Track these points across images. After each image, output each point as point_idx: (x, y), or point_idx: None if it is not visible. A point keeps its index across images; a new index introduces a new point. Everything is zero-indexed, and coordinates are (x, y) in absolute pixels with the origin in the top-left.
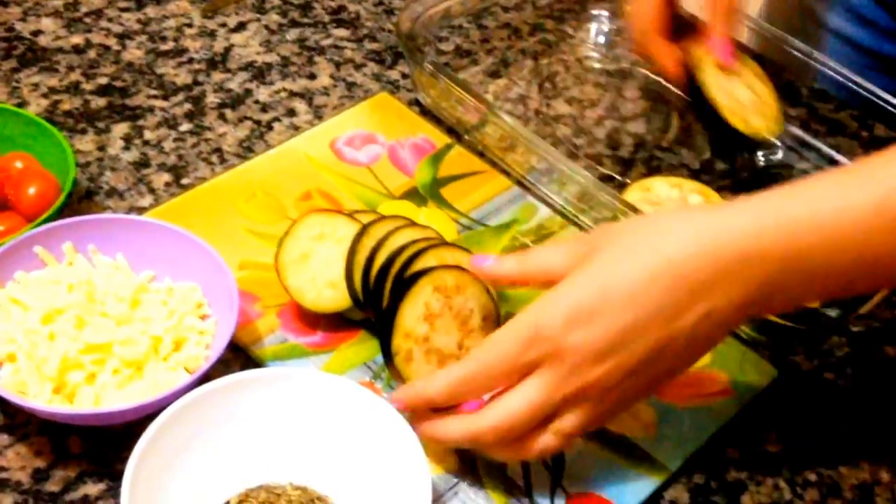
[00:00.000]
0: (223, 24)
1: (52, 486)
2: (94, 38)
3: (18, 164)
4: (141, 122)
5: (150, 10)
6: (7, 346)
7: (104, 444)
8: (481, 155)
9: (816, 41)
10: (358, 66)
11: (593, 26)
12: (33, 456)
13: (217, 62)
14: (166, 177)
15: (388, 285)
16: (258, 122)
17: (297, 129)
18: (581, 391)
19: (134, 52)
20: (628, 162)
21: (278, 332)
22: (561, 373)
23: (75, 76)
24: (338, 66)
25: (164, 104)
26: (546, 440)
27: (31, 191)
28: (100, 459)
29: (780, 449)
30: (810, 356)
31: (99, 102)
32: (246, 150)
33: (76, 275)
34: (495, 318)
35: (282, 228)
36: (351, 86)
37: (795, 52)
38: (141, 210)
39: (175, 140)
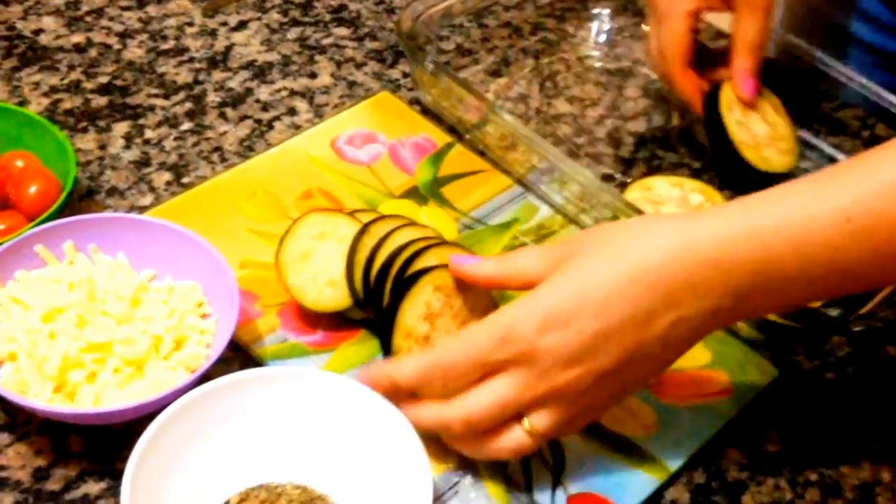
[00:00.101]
0: (224, 23)
1: (52, 485)
2: (95, 36)
3: (19, 163)
4: (142, 121)
5: (151, 9)
6: (7, 345)
7: (105, 443)
8: (482, 154)
9: (828, 42)
10: (359, 65)
11: (594, 25)
12: (34, 455)
13: (218, 61)
14: (167, 176)
15: (389, 284)
16: (259, 121)
17: (297, 128)
18: (551, 393)
19: (135, 51)
20: (629, 161)
21: (279, 332)
22: (532, 374)
23: (76, 75)
24: (339, 64)
25: (165, 103)
26: (517, 438)
27: (32, 190)
28: (100, 458)
29: (781, 449)
30: (811, 356)
31: (100, 101)
32: (246, 149)
33: (77, 274)
34: None
35: (282, 227)
36: (352, 85)
37: (818, 63)
38: (142, 209)
39: (176, 139)
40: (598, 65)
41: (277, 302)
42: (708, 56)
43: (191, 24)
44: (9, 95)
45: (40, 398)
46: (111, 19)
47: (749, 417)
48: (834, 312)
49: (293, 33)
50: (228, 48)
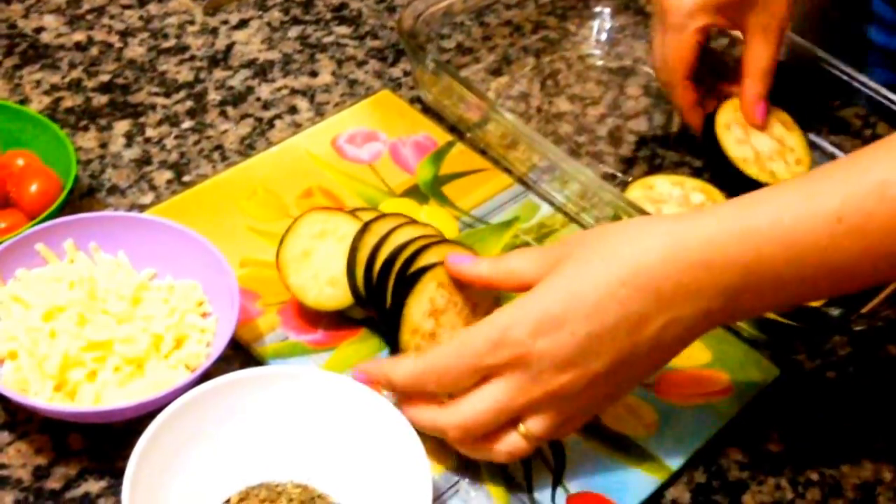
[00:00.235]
0: (225, 22)
1: (53, 484)
2: (96, 35)
3: (20, 162)
4: (142, 120)
5: (152, 8)
6: (8, 343)
7: (105, 442)
8: (483, 153)
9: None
10: (360, 64)
11: (595, 24)
12: (34, 453)
13: (219, 59)
14: (168, 174)
15: (391, 282)
16: (260, 120)
17: (298, 126)
18: (545, 397)
19: (136, 50)
20: (630, 160)
21: (279, 330)
22: (526, 378)
23: (77, 73)
24: (339, 63)
25: (166, 101)
26: (513, 442)
27: (33, 188)
28: (101, 457)
29: (782, 448)
30: (812, 355)
31: (101, 100)
32: (247, 148)
33: (77, 272)
34: None
35: (283, 226)
36: (352, 83)
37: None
38: (142, 207)
39: (176, 137)
40: (599, 63)
41: (278, 301)
42: (711, 62)
43: (192, 23)
44: (10, 94)
45: (41, 397)
46: (112, 18)
47: (750, 417)
48: (835, 311)
49: (294, 32)
50: (229, 46)
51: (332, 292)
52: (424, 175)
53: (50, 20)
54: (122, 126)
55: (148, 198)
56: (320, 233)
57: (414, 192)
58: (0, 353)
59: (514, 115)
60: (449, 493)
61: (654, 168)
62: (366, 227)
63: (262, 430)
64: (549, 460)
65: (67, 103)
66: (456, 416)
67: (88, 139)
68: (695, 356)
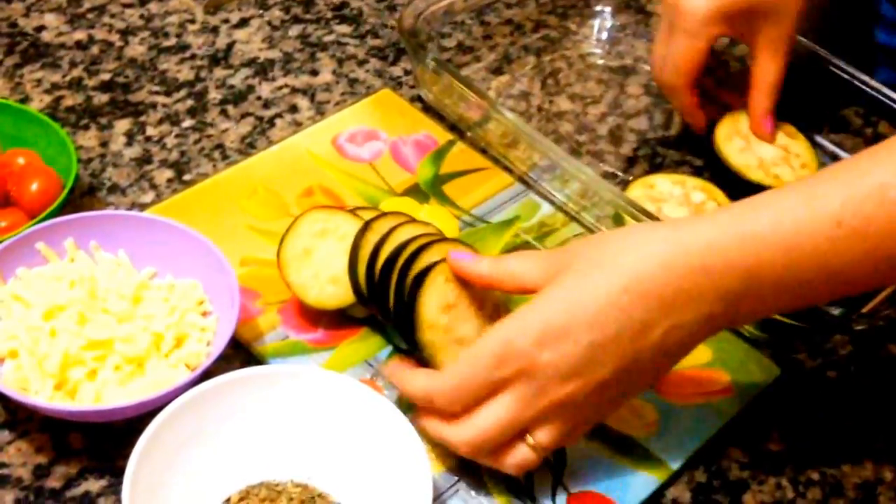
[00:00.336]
0: (225, 21)
1: (53, 483)
2: (97, 34)
3: (21, 161)
4: (143, 119)
5: (153, 6)
6: (9, 342)
7: (105, 441)
8: (483, 152)
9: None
10: (360, 63)
11: (596, 23)
12: (34, 452)
13: (219, 58)
14: (168, 173)
15: (394, 280)
16: (260, 119)
17: (299, 125)
18: (551, 408)
19: (136, 48)
20: (631, 159)
21: (279, 329)
22: (532, 390)
23: (78, 72)
24: (340, 62)
25: (167, 100)
26: (522, 454)
27: (34, 187)
28: (101, 456)
29: (783, 448)
30: (813, 354)
31: (101, 98)
32: (248, 147)
33: (78, 271)
34: (507, 306)
35: (283, 225)
36: (353, 82)
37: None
38: (143, 206)
39: (177, 136)
40: (599, 62)
41: (278, 300)
42: (710, 68)
43: (192, 22)
44: (10, 93)
45: (41, 395)
46: (113, 16)
47: (751, 416)
48: (836, 311)
49: (294, 30)
50: (230, 45)
51: (333, 291)
52: (425, 174)
53: (51, 19)
54: (122, 125)
55: (148, 197)
56: (321, 231)
57: (414, 191)
58: (0, 351)
59: (514, 114)
60: (449, 493)
61: (655, 167)
62: (367, 225)
63: (262, 429)
64: (550, 460)
65: (68, 102)
66: (465, 433)
67: (89, 138)
68: (695, 356)
